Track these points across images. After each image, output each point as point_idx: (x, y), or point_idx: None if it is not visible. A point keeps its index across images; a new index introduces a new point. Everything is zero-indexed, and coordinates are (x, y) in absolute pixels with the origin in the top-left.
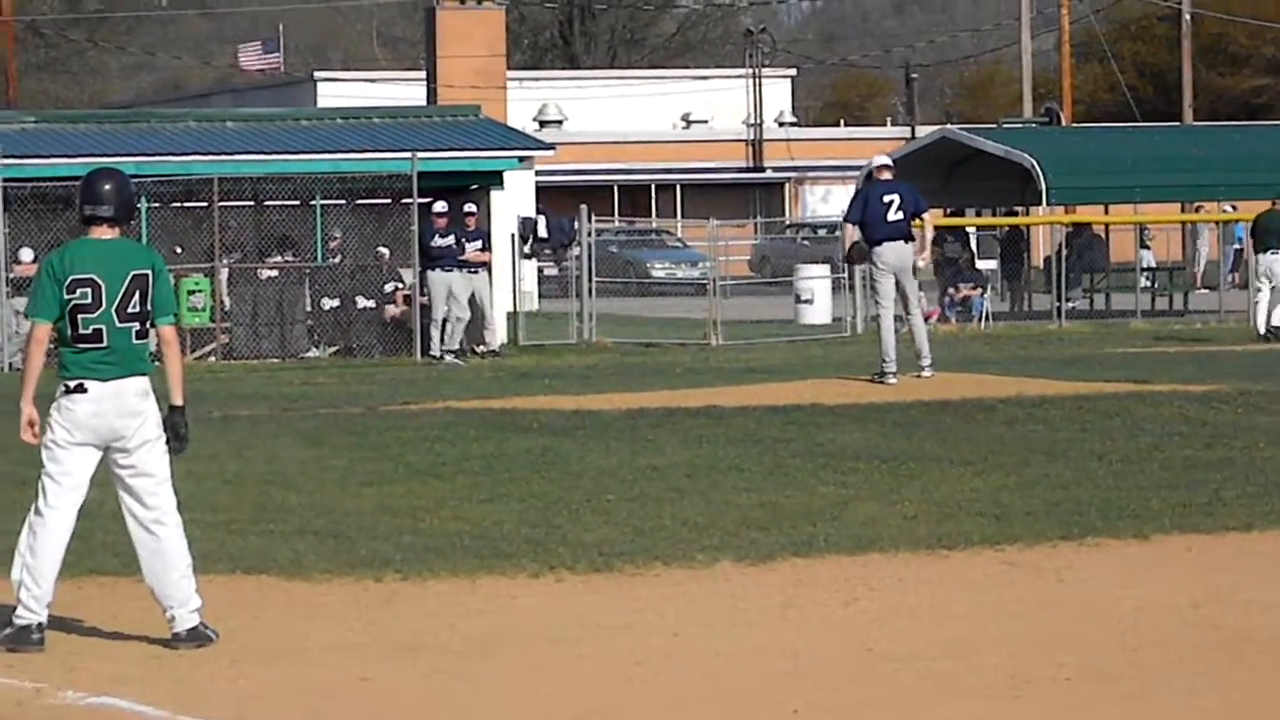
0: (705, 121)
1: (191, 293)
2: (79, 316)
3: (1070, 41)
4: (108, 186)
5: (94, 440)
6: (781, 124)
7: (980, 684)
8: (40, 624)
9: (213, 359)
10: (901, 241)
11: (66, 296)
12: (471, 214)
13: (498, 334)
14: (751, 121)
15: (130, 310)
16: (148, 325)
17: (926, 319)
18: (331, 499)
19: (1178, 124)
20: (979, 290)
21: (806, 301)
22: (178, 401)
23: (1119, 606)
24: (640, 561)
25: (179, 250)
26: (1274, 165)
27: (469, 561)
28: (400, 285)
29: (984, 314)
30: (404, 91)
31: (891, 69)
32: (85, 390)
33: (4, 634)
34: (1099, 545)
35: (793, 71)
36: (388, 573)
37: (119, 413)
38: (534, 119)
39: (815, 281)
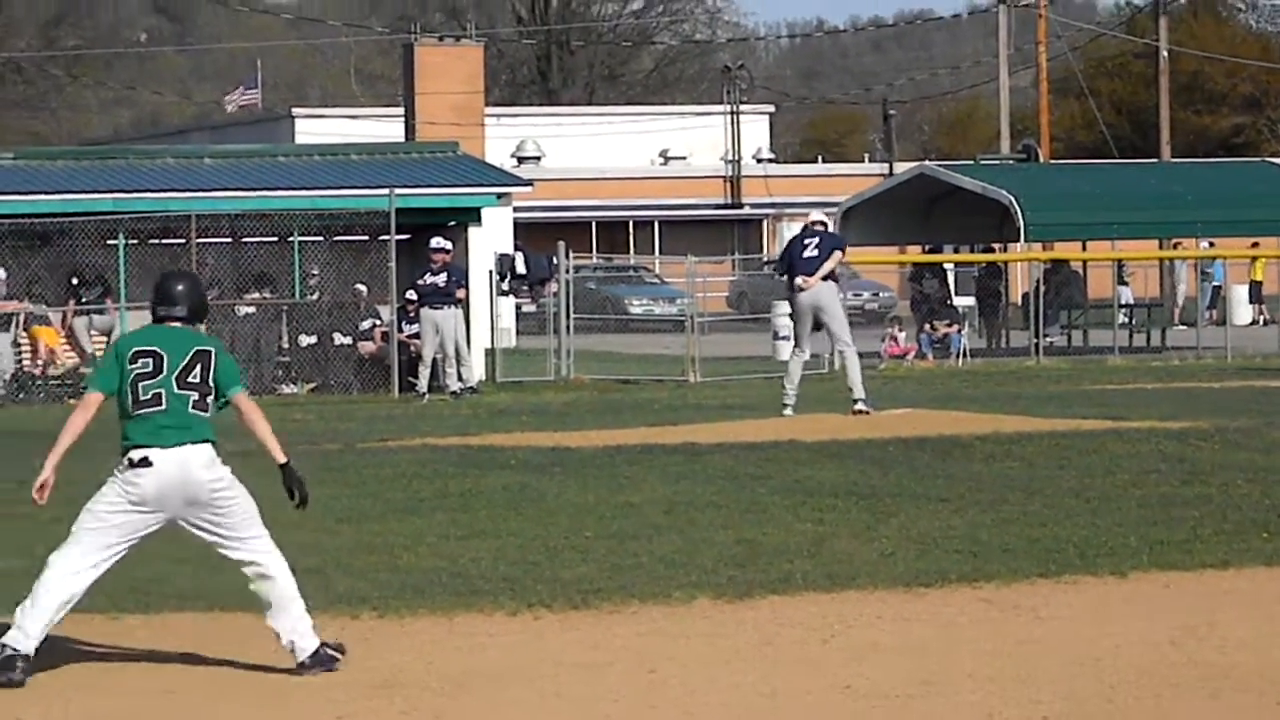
0: (683, 158)
1: None
2: (140, 384)
3: (1048, 79)
4: (180, 288)
5: (152, 519)
6: (759, 160)
7: None
8: (27, 655)
9: None
10: (822, 280)
11: (129, 367)
12: (437, 250)
13: (475, 371)
14: (729, 158)
15: (190, 380)
16: (207, 400)
17: (904, 355)
18: (308, 536)
19: (1155, 161)
20: (956, 327)
21: (784, 338)
22: (281, 459)
23: (1097, 644)
24: (617, 599)
25: None
26: (1251, 202)
27: (446, 599)
28: (378, 322)
29: (962, 350)
30: (382, 128)
31: (869, 105)
32: (150, 464)
33: None
34: (1076, 583)
35: (771, 108)
36: (364, 610)
37: (186, 484)
38: (512, 155)
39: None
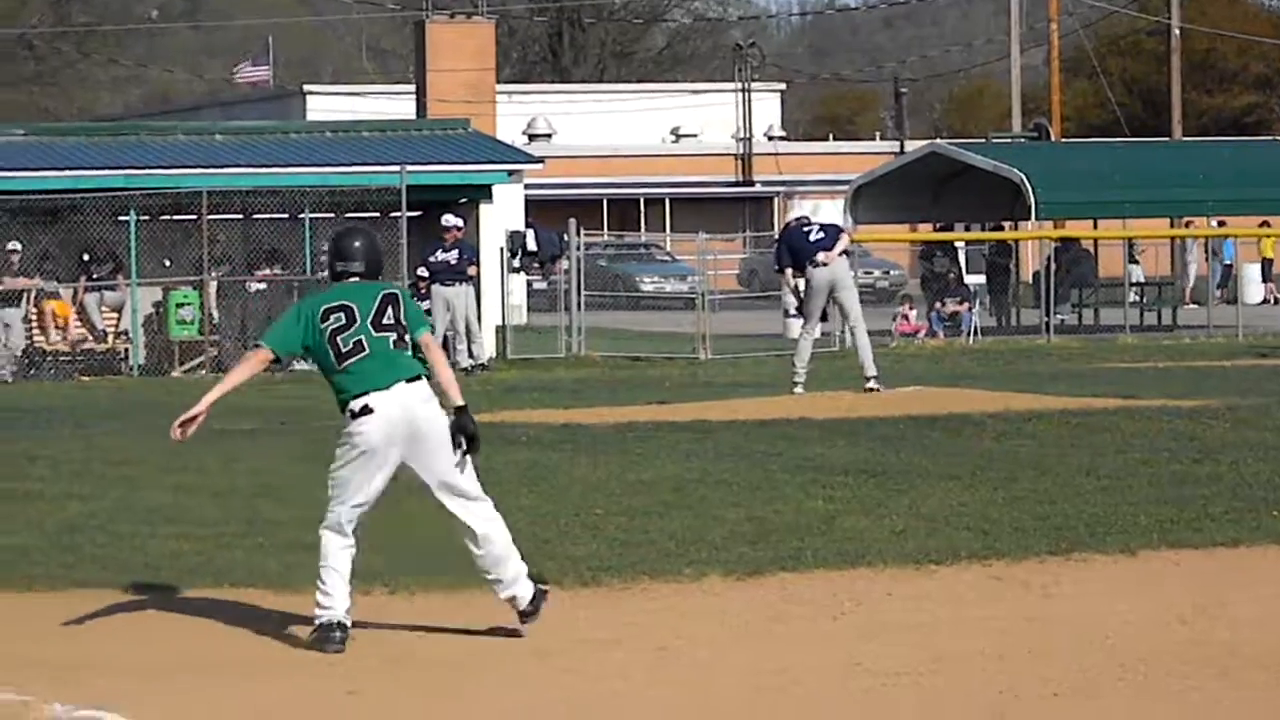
0: (694, 135)
1: (180, 305)
2: (338, 338)
3: (1059, 57)
4: (357, 244)
5: (386, 464)
6: (770, 138)
7: (969, 699)
8: (340, 622)
9: (202, 372)
10: (814, 265)
11: (321, 325)
12: (449, 227)
13: (486, 348)
14: (741, 136)
15: (384, 323)
16: (405, 338)
17: (915, 334)
18: (321, 513)
19: (1167, 139)
20: (967, 305)
21: (795, 316)
22: (459, 401)
23: (1106, 622)
24: (628, 576)
25: (168, 263)
26: (1263, 181)
27: (457, 576)
28: None
29: (972, 329)
30: (393, 105)
31: (881, 83)
32: (371, 410)
33: (312, 638)
34: (1086, 560)
35: (782, 86)
36: (376, 586)
37: (409, 421)
38: (523, 133)
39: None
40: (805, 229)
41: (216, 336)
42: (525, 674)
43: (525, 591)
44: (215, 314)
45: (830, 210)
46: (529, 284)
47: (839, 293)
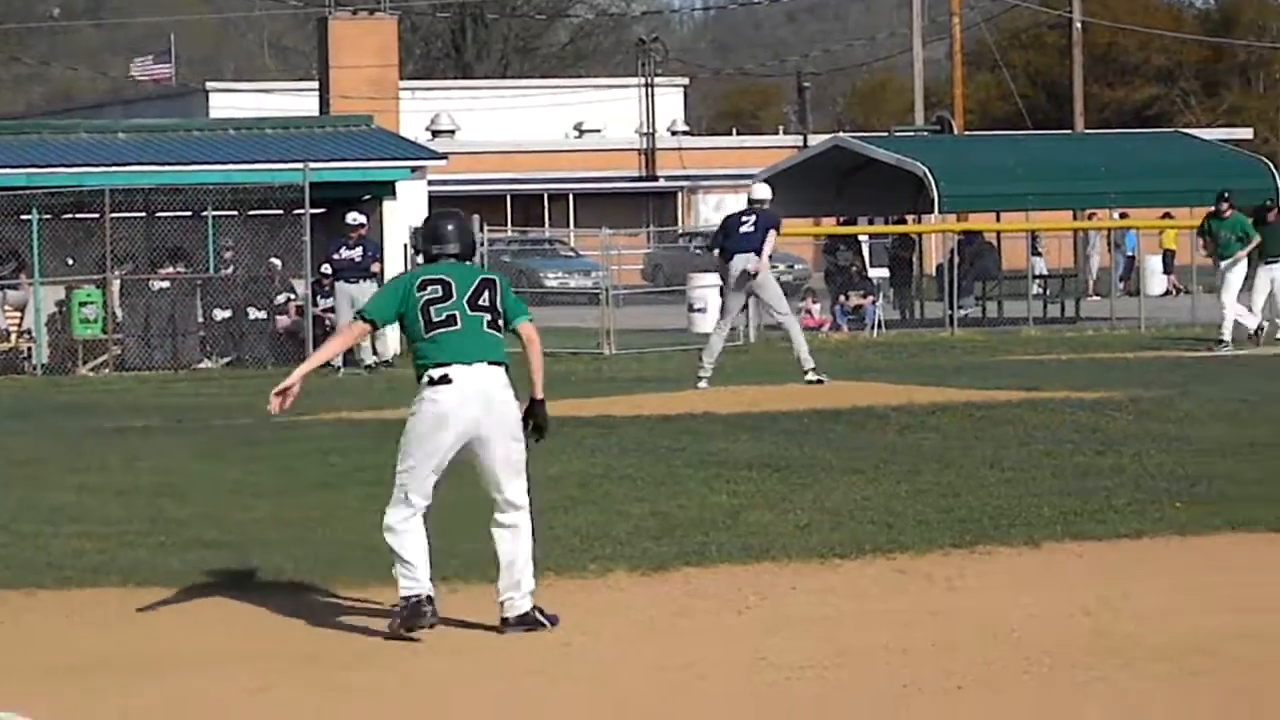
0: (598, 131)
1: (83, 304)
2: (431, 308)
3: (962, 50)
4: (450, 227)
5: (454, 435)
6: (674, 133)
7: (873, 692)
8: (429, 596)
9: (105, 370)
10: (752, 254)
11: (418, 294)
12: (353, 225)
13: (390, 344)
14: (644, 131)
15: (480, 303)
16: (498, 323)
17: (819, 327)
18: (224, 510)
19: (1069, 132)
20: (870, 299)
21: (700, 310)
22: (539, 395)
23: (1010, 614)
24: (537, 573)
25: (70, 262)
26: (1164, 173)
27: (362, 573)
28: (292, 296)
29: (876, 322)
30: (296, 102)
31: (784, 78)
32: (450, 381)
33: (398, 615)
34: (990, 553)
35: (685, 81)
36: (280, 584)
37: (482, 402)
38: (426, 129)
39: (708, 290)
40: (743, 219)
41: (120, 335)
42: (432, 670)
43: (524, 605)
44: (119, 312)
45: (734, 205)
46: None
47: (758, 291)
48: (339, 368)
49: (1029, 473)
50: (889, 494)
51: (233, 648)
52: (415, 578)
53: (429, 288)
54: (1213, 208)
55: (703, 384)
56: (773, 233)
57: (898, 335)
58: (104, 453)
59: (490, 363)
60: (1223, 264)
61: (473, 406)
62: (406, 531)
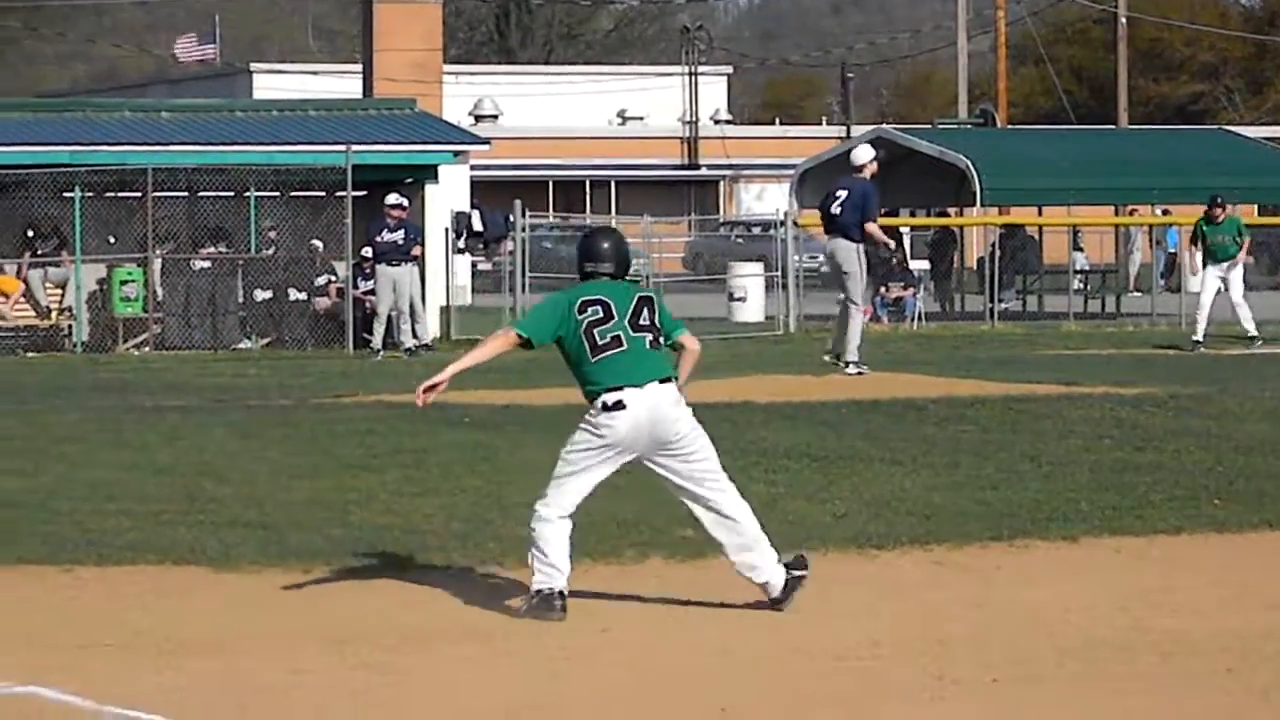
0: (641, 118)
1: (124, 283)
2: (595, 330)
3: (1006, 44)
4: (606, 245)
5: (621, 460)
6: (717, 122)
7: (908, 684)
8: (561, 591)
9: (146, 349)
10: (840, 237)
11: (579, 317)
12: (394, 207)
13: (430, 328)
14: (687, 119)
15: (641, 323)
16: (660, 340)
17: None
18: (262, 491)
19: (1113, 127)
20: (911, 290)
21: (740, 299)
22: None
23: (1047, 608)
24: (571, 557)
25: (112, 240)
26: (1207, 170)
27: (399, 555)
28: (333, 278)
29: (916, 314)
30: (340, 85)
31: (828, 68)
32: (624, 406)
33: (530, 605)
34: (1028, 547)
35: (729, 69)
36: (317, 565)
37: (656, 423)
38: (469, 114)
39: (748, 279)
40: (836, 194)
41: (160, 314)
42: (468, 654)
43: (777, 578)
44: (159, 291)
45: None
46: (474, 265)
47: (840, 265)
48: (379, 350)
49: (1067, 467)
50: (927, 486)
51: (270, 628)
52: (552, 571)
53: (589, 309)
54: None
55: (851, 369)
56: (868, 224)
57: (938, 328)
58: (143, 431)
59: (660, 380)
60: (1221, 266)
61: (644, 432)
62: (554, 527)
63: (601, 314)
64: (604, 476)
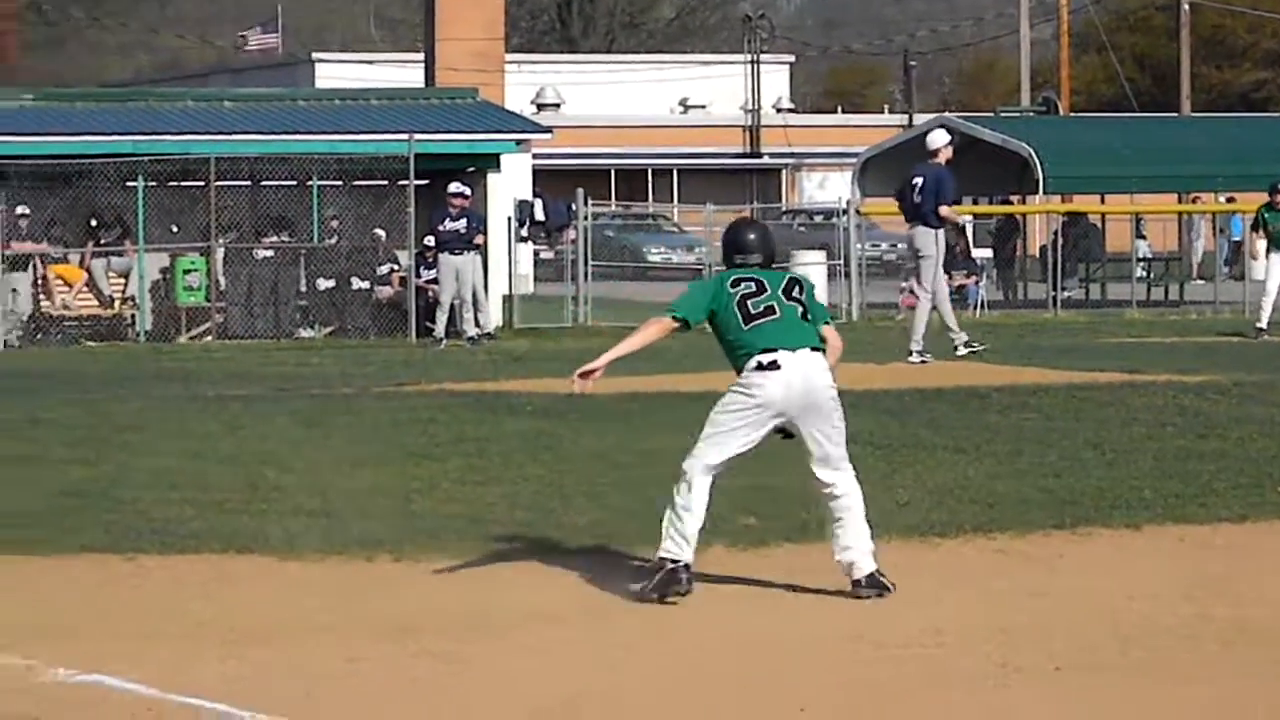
0: (703, 107)
1: (187, 272)
2: (748, 302)
3: (1069, 31)
4: (753, 237)
5: (777, 413)
6: (779, 110)
7: (971, 672)
8: (687, 564)
9: (208, 338)
10: (920, 224)
11: (731, 290)
12: (456, 195)
13: (492, 317)
14: (749, 107)
15: (793, 296)
16: (809, 316)
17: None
18: (325, 479)
19: (1175, 115)
20: (974, 279)
21: None
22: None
23: (1110, 596)
24: (631, 544)
25: (175, 229)
26: (1271, 157)
27: (461, 544)
28: (395, 267)
29: (979, 302)
30: (402, 74)
31: (890, 56)
32: (779, 366)
33: (656, 579)
34: (1091, 534)
35: (791, 58)
36: (380, 554)
37: (809, 388)
38: (531, 102)
39: (811, 268)
40: (913, 181)
41: (223, 303)
42: (528, 642)
43: (866, 564)
44: (222, 281)
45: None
46: (536, 253)
47: (919, 254)
48: (441, 339)
49: (1130, 455)
50: (990, 474)
51: (329, 618)
52: (682, 543)
53: (742, 285)
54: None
55: (914, 357)
56: (943, 207)
57: (1000, 316)
58: (205, 420)
59: (812, 349)
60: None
61: (796, 395)
62: (697, 487)
63: (754, 288)
64: (752, 439)
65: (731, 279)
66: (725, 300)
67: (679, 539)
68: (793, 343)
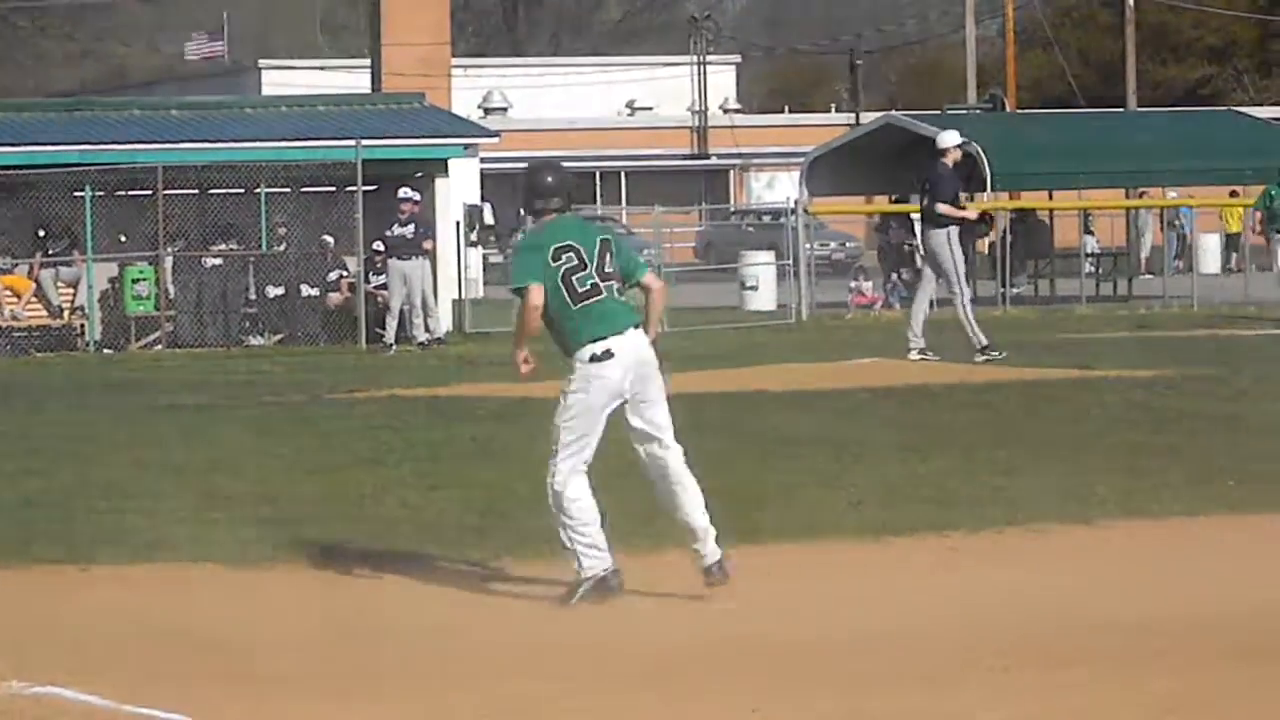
0: (650, 109)
1: (136, 281)
2: (572, 278)
3: (1014, 29)
4: (552, 180)
5: (616, 394)
6: (726, 111)
7: (925, 670)
8: (613, 569)
9: (158, 347)
10: (931, 227)
11: (554, 264)
12: (405, 200)
13: (442, 322)
14: (696, 109)
15: (606, 270)
16: (623, 284)
17: (871, 305)
18: (277, 487)
19: (1121, 110)
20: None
21: (751, 288)
22: (649, 336)
23: (1064, 592)
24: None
25: (123, 238)
26: (1217, 151)
27: (413, 550)
28: (344, 273)
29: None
30: (348, 80)
31: (836, 55)
32: (613, 355)
33: (582, 591)
34: (1044, 532)
35: (737, 58)
36: (331, 561)
37: (640, 365)
38: (479, 106)
39: (760, 268)
40: (926, 183)
41: (172, 312)
42: (480, 643)
43: (713, 549)
44: (171, 289)
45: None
46: (485, 258)
47: (935, 265)
48: (391, 345)
49: (1083, 451)
50: (942, 472)
51: (284, 626)
52: (595, 552)
53: (563, 256)
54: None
55: (980, 356)
56: (939, 199)
57: (950, 313)
58: (157, 429)
59: (634, 326)
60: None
61: (632, 375)
62: (580, 497)
63: (576, 261)
64: (603, 426)
65: (552, 251)
66: (551, 274)
67: (592, 551)
68: (621, 325)
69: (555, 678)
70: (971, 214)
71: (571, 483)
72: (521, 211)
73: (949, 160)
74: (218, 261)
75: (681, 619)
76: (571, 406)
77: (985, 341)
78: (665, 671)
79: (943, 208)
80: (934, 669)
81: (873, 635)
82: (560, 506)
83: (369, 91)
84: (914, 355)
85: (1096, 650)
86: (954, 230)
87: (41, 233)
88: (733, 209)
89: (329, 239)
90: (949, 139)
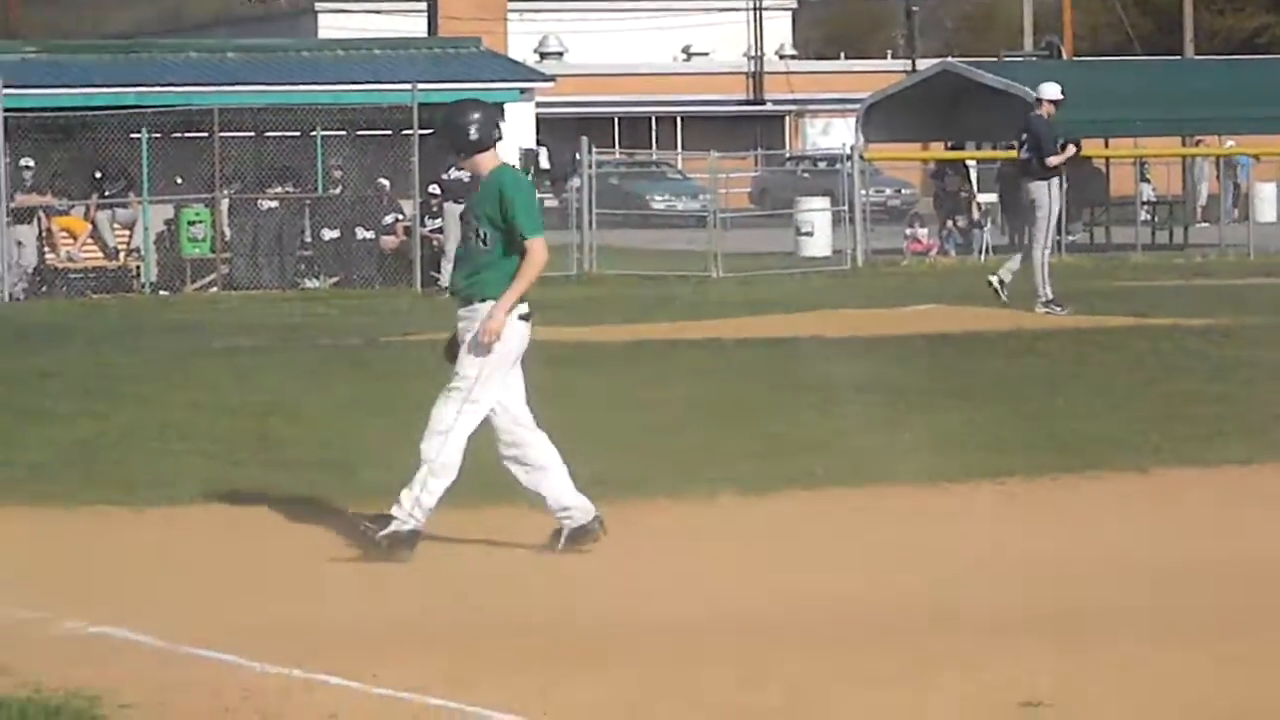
0: (706, 54)
1: (192, 223)
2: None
3: None
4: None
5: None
6: (782, 57)
7: (982, 618)
8: (419, 531)
9: (214, 289)
10: (1030, 178)
11: None
12: None
13: None
14: (752, 54)
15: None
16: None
17: (927, 251)
18: (333, 430)
19: (1178, 57)
20: (979, 224)
21: (807, 234)
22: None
23: (1119, 538)
24: (640, 493)
25: (179, 180)
26: (1274, 99)
27: (471, 492)
28: (400, 217)
29: (985, 247)
30: (404, 23)
31: (893, 1)
32: (529, 318)
33: (389, 536)
34: (1098, 478)
35: (794, 4)
36: (391, 503)
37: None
38: (535, 51)
39: (815, 214)
40: (1023, 135)
41: (228, 254)
42: (536, 586)
43: (576, 520)
44: (227, 232)
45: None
46: (541, 202)
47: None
48: (446, 288)
49: (1137, 399)
50: (997, 419)
51: (339, 568)
52: (422, 516)
53: None
54: None
55: (1040, 308)
56: (1045, 154)
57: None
58: (212, 371)
59: None
60: None
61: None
62: (455, 473)
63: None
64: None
65: None
66: None
67: (421, 515)
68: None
69: (607, 620)
70: (1073, 150)
71: (454, 431)
72: (470, 150)
73: (1043, 111)
74: (273, 204)
75: (729, 566)
76: (487, 360)
77: (1051, 295)
78: (711, 617)
79: (1054, 159)
80: (993, 615)
81: (925, 580)
82: (435, 462)
83: (425, 35)
84: (1040, 309)
85: (1151, 596)
86: (1055, 181)
87: (98, 174)
88: (788, 155)
89: (384, 182)
90: (1051, 90)
